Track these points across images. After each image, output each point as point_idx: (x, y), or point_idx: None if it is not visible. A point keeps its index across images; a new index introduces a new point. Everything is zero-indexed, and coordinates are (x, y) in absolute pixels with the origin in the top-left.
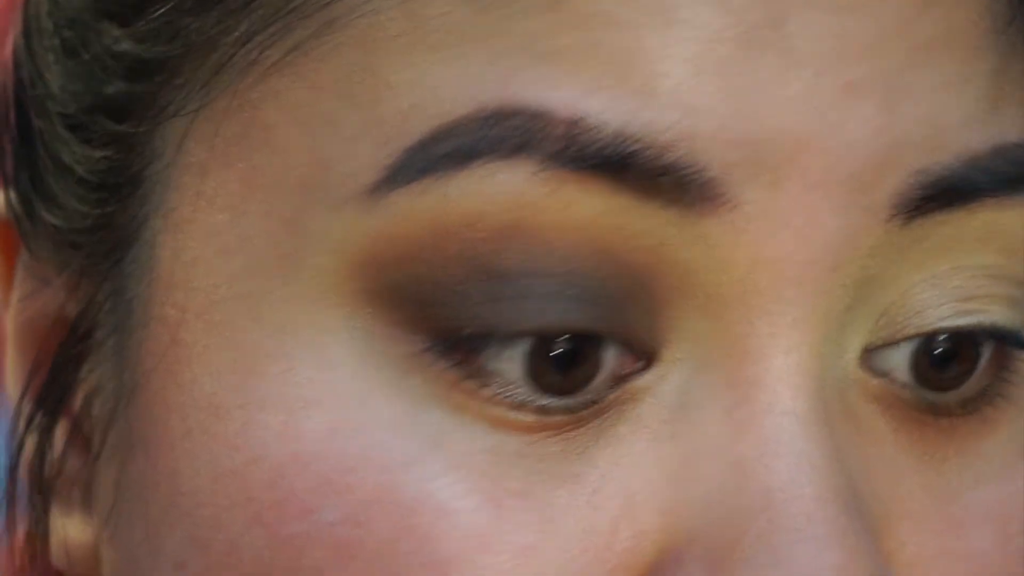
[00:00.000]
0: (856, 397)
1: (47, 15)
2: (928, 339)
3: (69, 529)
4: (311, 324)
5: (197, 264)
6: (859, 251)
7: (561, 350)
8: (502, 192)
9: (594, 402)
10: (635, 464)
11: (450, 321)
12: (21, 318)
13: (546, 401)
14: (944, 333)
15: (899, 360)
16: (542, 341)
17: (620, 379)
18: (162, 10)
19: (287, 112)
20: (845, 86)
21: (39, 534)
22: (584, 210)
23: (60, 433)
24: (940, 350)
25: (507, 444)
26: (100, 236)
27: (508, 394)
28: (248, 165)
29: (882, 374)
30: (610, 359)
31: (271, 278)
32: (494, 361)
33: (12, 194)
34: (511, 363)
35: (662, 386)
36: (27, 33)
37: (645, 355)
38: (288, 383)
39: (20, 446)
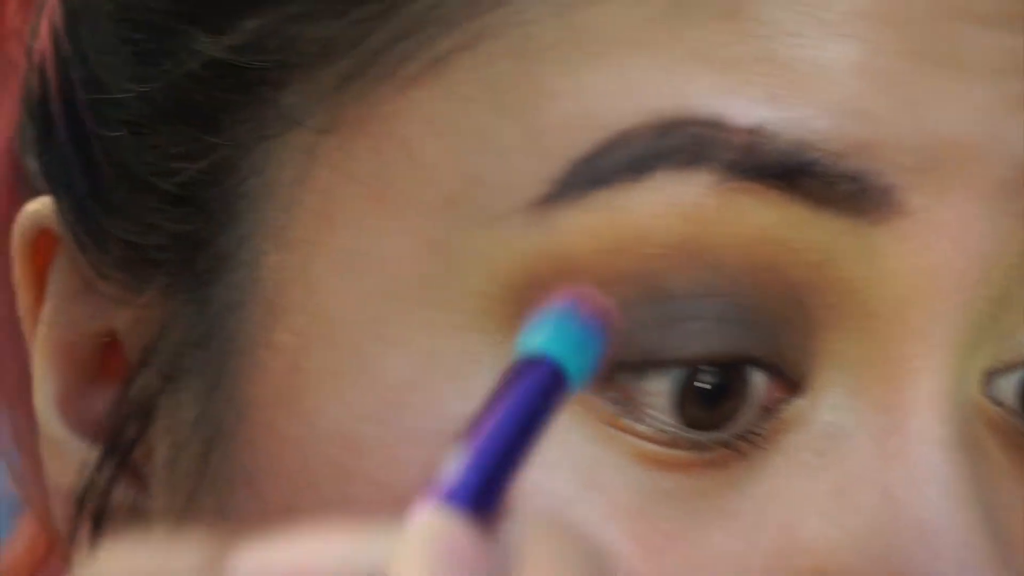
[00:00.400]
0: (979, 425)
1: (108, 16)
2: None
3: None
4: (458, 352)
5: (320, 287)
6: (1004, 259)
7: (709, 383)
8: (677, 205)
9: (748, 434)
10: (790, 498)
11: (611, 347)
12: (55, 330)
13: (699, 436)
14: None
15: (1007, 387)
16: (691, 373)
17: (770, 410)
18: (267, 18)
19: (430, 125)
20: (1014, 98)
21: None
22: (756, 222)
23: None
24: None
25: (661, 483)
26: (186, 254)
27: (661, 429)
28: (382, 182)
29: (998, 403)
30: (758, 388)
31: (410, 300)
32: (644, 394)
33: (62, 207)
34: (660, 396)
35: (813, 414)
36: (75, 34)
37: (794, 381)
38: (433, 416)
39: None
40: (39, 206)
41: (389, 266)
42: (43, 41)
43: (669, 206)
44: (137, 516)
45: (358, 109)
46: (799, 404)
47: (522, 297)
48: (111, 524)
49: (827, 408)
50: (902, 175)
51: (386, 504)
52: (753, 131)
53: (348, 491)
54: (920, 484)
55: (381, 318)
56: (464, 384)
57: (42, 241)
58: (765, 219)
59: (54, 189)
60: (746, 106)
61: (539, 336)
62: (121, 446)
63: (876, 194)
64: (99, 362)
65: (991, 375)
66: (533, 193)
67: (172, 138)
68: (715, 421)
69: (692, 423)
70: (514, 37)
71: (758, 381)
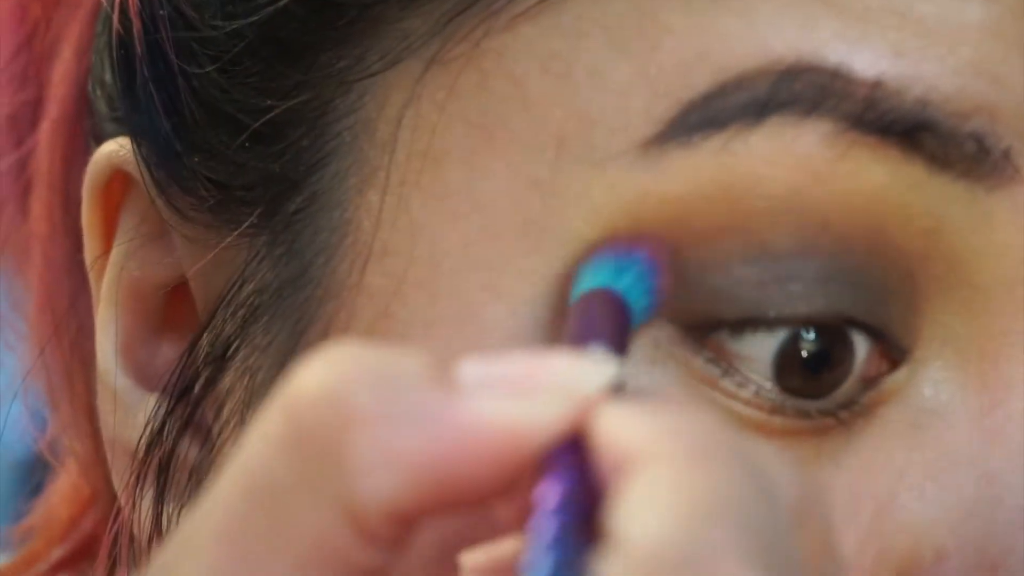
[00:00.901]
0: None
1: None
2: None
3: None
4: (558, 302)
5: (419, 229)
6: None
7: (811, 348)
8: (791, 153)
9: (850, 403)
10: (885, 473)
11: (710, 304)
12: (126, 275)
13: (802, 404)
14: None
15: None
16: (793, 337)
17: (871, 381)
18: None
19: (540, 63)
20: None
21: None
22: (871, 180)
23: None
24: None
25: (759, 449)
26: (274, 193)
27: (762, 395)
28: (489, 120)
29: None
30: (860, 357)
31: (512, 246)
32: (743, 358)
33: (142, 146)
34: (759, 362)
35: (913, 388)
36: None
37: (898, 353)
38: None
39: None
40: (115, 147)
41: (495, 208)
42: None
43: (783, 154)
44: (200, 474)
45: (465, 46)
46: (900, 376)
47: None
48: (173, 481)
49: (928, 382)
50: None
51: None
52: (876, 84)
53: None
54: (1022, 467)
55: (484, 263)
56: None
57: (115, 183)
58: (881, 177)
59: (133, 130)
60: (871, 58)
61: (592, 277)
62: (191, 395)
63: (996, 157)
64: (166, 311)
65: None
66: (643, 133)
67: (263, 75)
68: (817, 390)
69: (792, 391)
70: None
71: (861, 349)
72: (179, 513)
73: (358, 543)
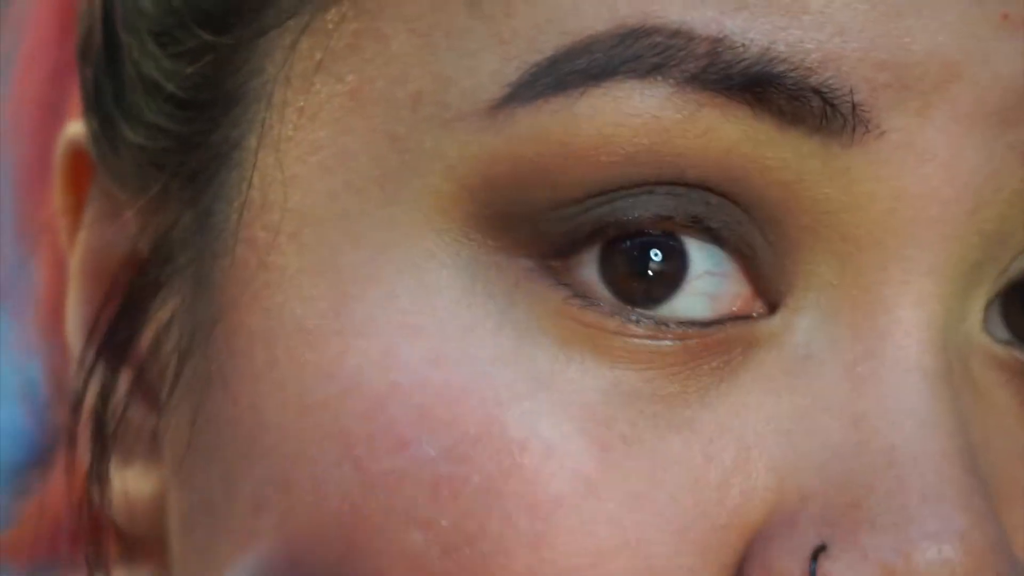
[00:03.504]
0: (979, 363)
1: None
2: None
3: (129, 481)
4: (414, 247)
5: (294, 183)
6: (1000, 194)
7: (636, 253)
8: (636, 114)
9: (712, 323)
10: (752, 415)
11: (563, 236)
12: (89, 251)
13: (648, 313)
14: None
15: (995, 318)
16: (618, 243)
17: (744, 317)
18: None
19: (407, 23)
20: (1001, 18)
21: (97, 486)
22: (722, 137)
23: (124, 380)
24: None
25: (621, 383)
26: (187, 156)
27: (608, 309)
28: (358, 78)
29: (1006, 342)
30: (704, 264)
31: (372, 198)
32: (578, 264)
33: (91, 120)
34: (590, 266)
35: (786, 335)
36: None
37: (774, 295)
38: (388, 308)
39: (83, 391)
40: (76, 128)
41: (357, 162)
42: None
43: (628, 115)
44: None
45: (342, 5)
46: (775, 322)
47: (477, 198)
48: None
49: (800, 330)
50: (876, 91)
51: (334, 397)
52: (717, 41)
53: (304, 384)
54: (892, 411)
55: (346, 214)
56: (420, 278)
57: (80, 165)
58: (731, 135)
59: (86, 105)
60: (712, 16)
61: None
62: (111, 349)
63: (845, 112)
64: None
65: (989, 312)
66: (492, 95)
67: (184, 41)
68: (657, 295)
69: (631, 300)
70: None
71: (703, 256)
72: (126, 474)
73: None
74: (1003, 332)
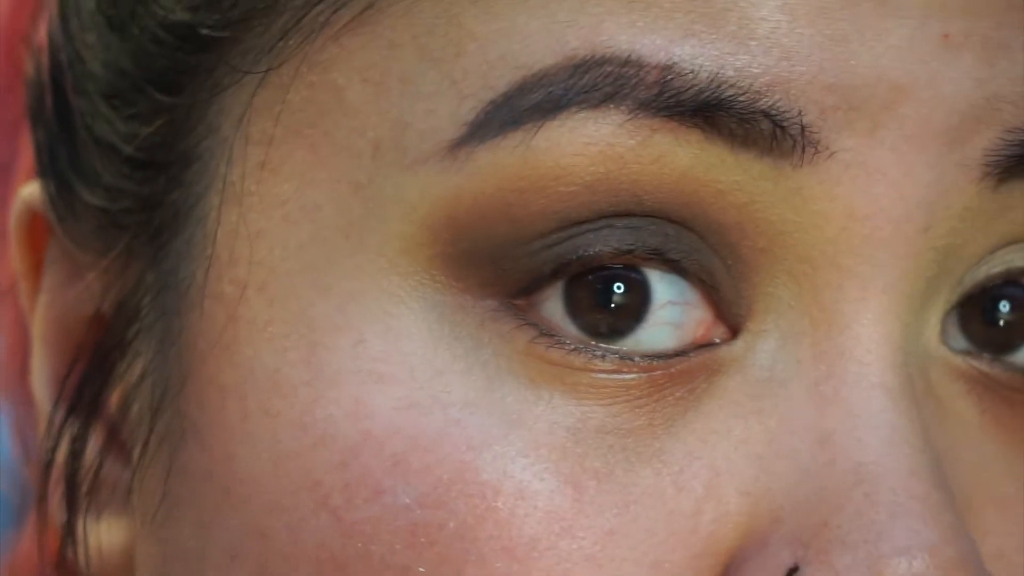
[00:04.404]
0: (939, 375)
1: None
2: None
3: (101, 534)
4: (382, 294)
5: (259, 238)
6: (951, 211)
7: (600, 280)
8: (592, 143)
9: (676, 354)
10: (720, 442)
11: (526, 274)
12: (51, 313)
13: (613, 347)
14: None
15: (953, 330)
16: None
17: (706, 344)
18: None
19: (360, 73)
20: (943, 38)
21: (68, 540)
22: (676, 162)
23: (95, 438)
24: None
25: (589, 419)
26: (148, 215)
27: (574, 345)
28: (316, 131)
29: (964, 352)
30: (665, 295)
31: (338, 247)
32: (553, 304)
33: (46, 183)
34: (555, 301)
35: (749, 358)
36: (64, 15)
37: (734, 320)
38: (358, 357)
39: (53, 451)
40: (30, 189)
41: (321, 213)
42: (40, 32)
43: (583, 145)
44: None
45: (295, 60)
46: (737, 347)
47: (440, 239)
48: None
49: (763, 353)
50: (824, 113)
51: (308, 448)
52: (667, 68)
53: (277, 435)
54: (858, 428)
55: (313, 265)
56: (388, 325)
57: (36, 226)
58: (684, 160)
59: (41, 169)
60: (661, 43)
61: None
62: (80, 407)
63: (795, 134)
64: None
65: (946, 323)
66: (450, 136)
67: (138, 103)
68: (619, 328)
69: (597, 334)
70: None
71: (665, 286)
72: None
73: None
74: (961, 342)
